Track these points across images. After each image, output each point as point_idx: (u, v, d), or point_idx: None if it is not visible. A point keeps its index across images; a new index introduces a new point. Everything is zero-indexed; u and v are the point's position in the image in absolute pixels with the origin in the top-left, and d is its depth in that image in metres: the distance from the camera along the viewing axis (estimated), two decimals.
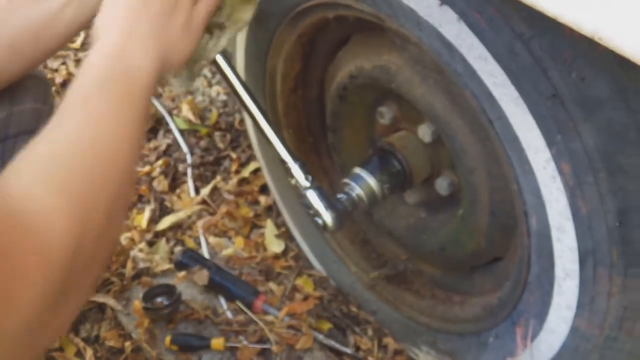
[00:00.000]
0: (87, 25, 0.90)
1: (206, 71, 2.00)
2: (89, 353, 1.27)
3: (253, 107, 1.00)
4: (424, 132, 1.05)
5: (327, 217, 1.02)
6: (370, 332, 1.30)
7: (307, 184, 1.03)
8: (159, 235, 1.50)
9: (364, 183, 1.07)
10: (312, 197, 1.03)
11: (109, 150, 0.62)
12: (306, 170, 1.03)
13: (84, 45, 2.08)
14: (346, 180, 1.08)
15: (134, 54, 0.70)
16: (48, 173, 0.55)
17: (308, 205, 1.04)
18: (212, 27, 0.90)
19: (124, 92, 0.67)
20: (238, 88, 0.99)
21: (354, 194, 1.07)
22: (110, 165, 0.61)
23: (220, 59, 0.95)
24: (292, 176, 1.04)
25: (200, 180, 1.63)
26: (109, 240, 0.60)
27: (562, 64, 0.71)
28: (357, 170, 1.08)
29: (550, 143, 0.77)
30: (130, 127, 0.65)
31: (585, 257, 0.80)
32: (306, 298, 1.35)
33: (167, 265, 1.41)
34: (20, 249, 0.46)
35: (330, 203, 1.03)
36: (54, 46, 0.91)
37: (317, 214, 1.03)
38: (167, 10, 0.75)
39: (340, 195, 1.07)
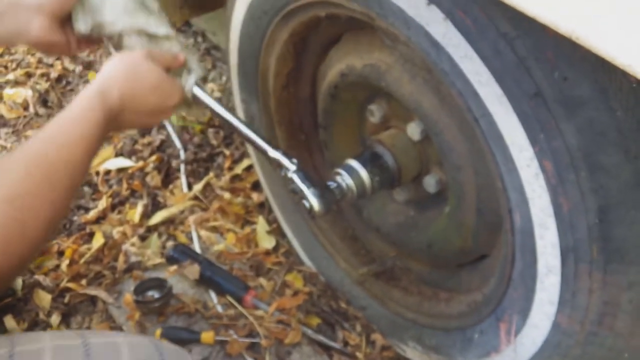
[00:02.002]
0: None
1: None
2: None
3: (230, 117, 1.12)
4: (413, 130, 1.07)
5: (313, 199, 1.04)
6: (358, 327, 1.32)
7: (294, 167, 1.06)
8: (151, 229, 1.51)
9: (355, 174, 1.09)
10: (299, 179, 1.05)
11: (52, 168, 0.84)
12: (290, 156, 1.08)
13: None
14: (338, 169, 1.10)
15: (112, 120, 0.95)
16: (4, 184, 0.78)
17: (296, 190, 1.05)
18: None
19: (89, 131, 0.90)
20: (215, 107, 1.12)
21: (344, 184, 1.08)
22: (49, 180, 0.82)
23: (198, 91, 1.11)
24: (279, 166, 1.07)
25: (193, 177, 1.64)
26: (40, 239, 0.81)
27: (545, 63, 0.73)
28: (350, 161, 1.10)
29: (533, 141, 0.78)
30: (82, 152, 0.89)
31: (566, 253, 0.82)
32: (296, 293, 1.37)
33: (158, 260, 1.42)
34: None
35: (317, 186, 1.05)
36: None
37: (304, 196, 1.04)
38: (156, 111, 1.03)
39: (330, 183, 1.09)
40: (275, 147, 1.10)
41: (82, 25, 1.06)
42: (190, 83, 1.09)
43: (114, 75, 0.97)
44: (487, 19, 0.75)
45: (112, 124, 0.96)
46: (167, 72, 1.05)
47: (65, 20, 1.07)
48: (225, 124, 1.13)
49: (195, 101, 1.11)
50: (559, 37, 0.61)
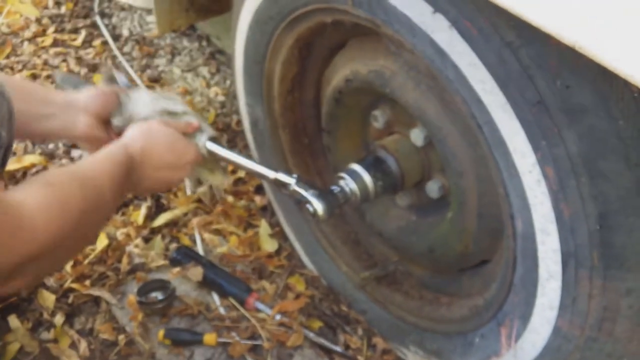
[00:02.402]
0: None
1: (205, 72, 2.03)
2: (83, 345, 1.29)
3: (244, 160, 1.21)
4: (417, 136, 1.08)
5: (316, 203, 1.08)
6: (360, 331, 1.33)
7: (294, 180, 1.12)
8: (154, 231, 1.52)
9: (358, 178, 1.10)
10: (301, 189, 1.10)
11: (92, 196, 0.94)
12: (289, 172, 1.16)
13: (84, 44, 2.10)
14: (341, 174, 1.12)
15: (134, 169, 1.07)
16: (42, 194, 0.86)
17: (300, 199, 1.08)
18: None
19: (117, 172, 1.02)
20: (229, 155, 1.22)
21: (347, 188, 1.10)
22: (89, 205, 0.92)
23: (211, 145, 1.22)
24: (283, 185, 1.14)
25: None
26: (66, 241, 0.89)
27: (548, 72, 0.74)
28: (353, 165, 1.12)
29: (535, 148, 0.80)
30: (109, 187, 0.99)
31: (567, 259, 0.83)
32: (298, 297, 1.38)
33: (162, 261, 1.43)
34: (9, 232, 0.79)
35: (320, 192, 1.09)
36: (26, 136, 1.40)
37: (307, 201, 1.08)
38: (173, 166, 1.15)
39: (333, 187, 1.11)
40: (275, 169, 1.17)
41: (117, 120, 1.23)
42: (202, 140, 1.21)
43: (135, 136, 1.13)
44: (492, 28, 0.77)
45: (134, 173, 1.08)
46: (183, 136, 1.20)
47: (107, 121, 1.23)
48: (241, 168, 1.30)
49: (211, 155, 1.23)
50: (562, 46, 0.63)
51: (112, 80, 1.36)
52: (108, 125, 1.24)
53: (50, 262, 0.88)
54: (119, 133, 1.22)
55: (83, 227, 0.92)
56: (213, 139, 1.23)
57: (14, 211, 0.79)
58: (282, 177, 1.14)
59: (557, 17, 0.60)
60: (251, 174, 1.32)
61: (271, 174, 1.16)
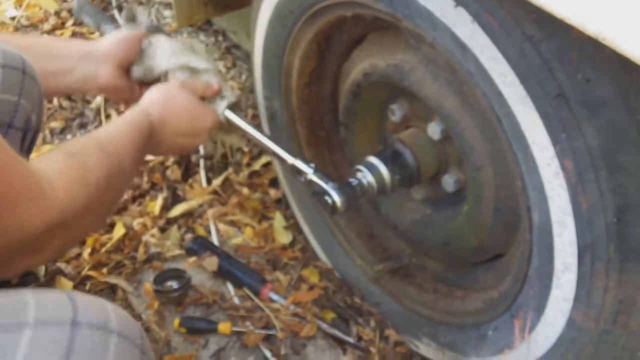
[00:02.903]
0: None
1: (221, 67, 2.04)
2: None
3: (260, 135, 1.23)
4: (434, 130, 1.09)
5: (335, 195, 1.09)
6: (372, 323, 1.34)
7: (312, 170, 1.13)
8: (170, 222, 1.54)
9: (375, 171, 1.11)
10: (319, 179, 1.11)
11: (114, 163, 0.93)
12: (308, 161, 1.16)
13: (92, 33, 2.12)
14: (359, 166, 1.13)
15: (153, 135, 1.08)
16: (63, 161, 0.85)
17: (317, 191, 1.09)
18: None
19: (137, 137, 1.02)
20: (245, 127, 1.23)
21: (364, 180, 1.11)
22: (111, 171, 0.91)
23: (230, 114, 1.23)
24: (299, 172, 1.14)
25: (212, 172, 1.67)
26: (89, 212, 0.87)
27: (569, 65, 0.75)
28: (371, 158, 1.13)
29: (554, 141, 0.80)
30: (129, 152, 1.00)
31: (584, 251, 0.84)
32: (311, 288, 1.39)
33: (177, 251, 1.45)
34: (25, 195, 0.75)
35: (338, 184, 1.10)
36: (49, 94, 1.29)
37: (326, 193, 1.09)
38: (190, 132, 1.17)
39: (351, 180, 1.12)
40: (294, 155, 1.18)
41: (136, 71, 1.22)
42: (222, 107, 1.21)
43: (154, 101, 1.12)
44: (513, 22, 0.78)
45: (153, 138, 1.08)
46: (202, 99, 1.20)
47: (128, 68, 1.23)
48: (255, 142, 1.26)
49: (229, 124, 1.23)
50: (583, 40, 0.64)
51: (132, 19, 1.32)
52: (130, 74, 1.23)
53: (75, 230, 0.86)
54: (139, 82, 1.22)
55: (105, 193, 0.91)
56: (233, 106, 1.22)
57: (35, 177, 0.77)
58: (300, 164, 1.15)
59: (580, 8, 0.61)
60: (267, 151, 1.31)
61: (290, 158, 1.17)
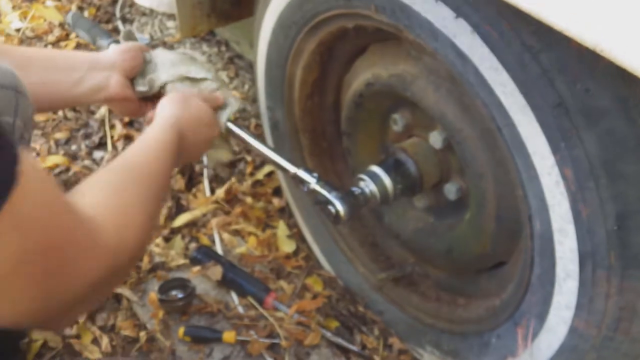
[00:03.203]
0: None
1: (224, 77, 2.06)
2: (104, 341, 1.32)
3: (260, 145, 1.25)
4: (435, 139, 1.10)
5: (338, 205, 1.10)
6: (376, 331, 1.35)
7: (314, 179, 1.14)
8: (174, 231, 1.55)
9: (378, 180, 1.12)
10: (322, 189, 1.12)
11: (150, 185, 0.88)
12: (310, 170, 1.17)
13: None
14: (362, 175, 1.14)
15: (181, 143, 1.05)
16: (105, 197, 0.78)
17: (320, 200, 1.10)
18: None
19: (163, 151, 0.98)
20: (246, 138, 1.25)
21: (367, 190, 1.12)
22: (149, 196, 0.87)
23: (231, 126, 1.25)
24: (302, 182, 1.15)
25: (216, 181, 1.68)
26: (138, 249, 0.82)
27: (568, 75, 0.76)
28: (373, 167, 1.14)
29: (555, 150, 0.81)
30: (163, 173, 0.96)
31: (585, 259, 0.85)
32: (315, 297, 1.40)
33: (182, 261, 1.46)
34: (82, 247, 0.68)
35: (341, 194, 1.11)
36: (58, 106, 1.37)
37: (329, 202, 1.09)
38: (205, 141, 1.17)
39: (354, 189, 1.13)
40: (296, 165, 1.19)
41: (139, 84, 1.23)
42: (224, 117, 1.24)
43: (175, 111, 1.10)
44: (513, 33, 0.79)
45: (181, 149, 1.06)
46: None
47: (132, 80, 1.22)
48: (256, 152, 1.27)
49: (229, 134, 1.26)
50: (582, 50, 0.65)
51: (131, 38, 1.33)
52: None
53: (127, 269, 0.82)
54: (143, 97, 1.22)
55: (149, 223, 0.85)
56: (234, 120, 1.24)
57: (87, 225, 0.69)
58: (303, 174, 1.16)
59: (578, 20, 0.62)
60: (269, 162, 1.31)
61: (292, 168, 1.18)
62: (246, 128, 1.28)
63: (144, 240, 0.84)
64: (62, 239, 0.63)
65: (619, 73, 0.64)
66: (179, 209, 1.60)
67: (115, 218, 0.76)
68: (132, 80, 1.24)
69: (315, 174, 1.16)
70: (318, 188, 1.13)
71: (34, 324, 0.70)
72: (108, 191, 0.80)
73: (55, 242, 0.62)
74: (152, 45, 1.32)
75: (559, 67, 0.77)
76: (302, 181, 1.16)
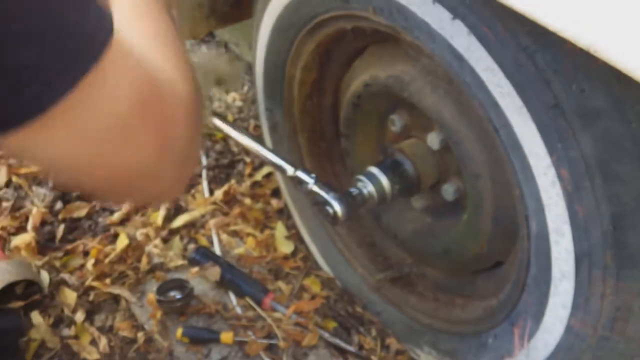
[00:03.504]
0: None
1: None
2: (103, 342, 1.32)
3: (251, 142, 1.25)
4: (433, 140, 1.11)
5: (336, 205, 1.10)
6: (374, 332, 1.35)
7: (312, 180, 1.14)
8: (173, 232, 1.55)
9: (376, 181, 1.13)
10: (320, 190, 1.12)
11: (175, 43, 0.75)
12: (309, 171, 1.16)
13: None
14: (360, 176, 1.14)
15: None
16: (173, 56, 0.70)
17: (318, 201, 1.10)
18: None
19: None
20: (236, 135, 1.27)
21: (365, 190, 1.12)
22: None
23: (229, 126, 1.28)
24: (299, 182, 1.15)
25: (215, 183, 1.69)
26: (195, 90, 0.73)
27: (564, 76, 0.77)
28: (371, 168, 1.14)
29: (551, 150, 0.82)
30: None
31: (581, 259, 0.85)
32: (313, 297, 1.41)
33: (180, 261, 1.47)
34: (173, 106, 0.63)
35: (339, 194, 1.11)
36: None
37: (327, 203, 1.09)
38: None
39: (352, 189, 1.13)
40: (294, 165, 1.18)
41: None
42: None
43: None
44: (509, 34, 0.80)
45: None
46: None
47: None
48: (255, 153, 1.27)
49: (229, 135, 1.28)
50: (577, 51, 0.65)
51: None
52: None
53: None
54: None
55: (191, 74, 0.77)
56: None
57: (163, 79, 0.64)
58: (301, 175, 1.16)
59: (573, 21, 0.63)
60: (266, 162, 1.30)
61: (290, 169, 1.18)
62: (245, 129, 1.28)
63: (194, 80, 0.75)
64: (158, 91, 0.61)
65: (614, 74, 0.64)
66: (178, 210, 1.61)
67: (185, 75, 0.70)
68: None
69: (314, 175, 1.16)
70: (316, 189, 1.14)
71: (153, 186, 0.65)
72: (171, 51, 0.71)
73: (155, 91, 0.60)
74: None
75: (555, 67, 0.77)
76: (300, 182, 1.17)
